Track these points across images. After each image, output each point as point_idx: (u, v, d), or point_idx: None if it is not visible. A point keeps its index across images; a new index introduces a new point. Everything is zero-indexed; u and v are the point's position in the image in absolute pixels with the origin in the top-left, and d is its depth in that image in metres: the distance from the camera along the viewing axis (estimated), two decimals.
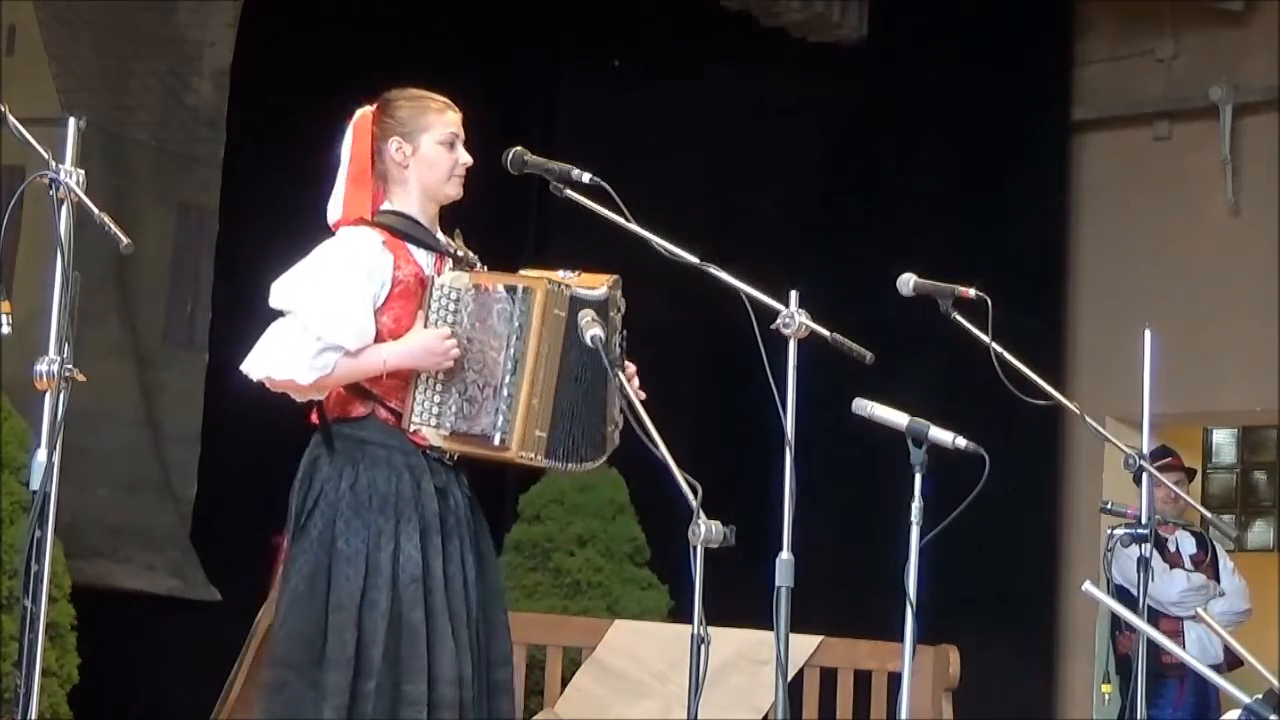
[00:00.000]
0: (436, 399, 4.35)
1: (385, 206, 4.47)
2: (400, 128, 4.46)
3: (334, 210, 4.48)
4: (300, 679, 4.26)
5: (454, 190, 4.51)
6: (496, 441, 4.31)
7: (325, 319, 4.28)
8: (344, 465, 4.34)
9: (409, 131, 4.46)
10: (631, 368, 4.44)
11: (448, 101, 4.55)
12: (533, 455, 4.34)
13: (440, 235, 4.53)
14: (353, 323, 4.29)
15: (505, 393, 4.31)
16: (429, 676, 4.23)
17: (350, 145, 4.48)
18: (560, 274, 4.43)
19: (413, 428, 4.34)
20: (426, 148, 4.46)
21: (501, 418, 4.31)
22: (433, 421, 4.34)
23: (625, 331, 4.47)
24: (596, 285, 4.43)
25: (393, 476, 4.32)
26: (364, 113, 4.51)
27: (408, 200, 4.48)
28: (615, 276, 4.46)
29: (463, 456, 4.40)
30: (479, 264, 4.51)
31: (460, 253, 4.49)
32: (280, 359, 4.28)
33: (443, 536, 4.34)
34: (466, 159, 4.50)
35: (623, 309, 4.46)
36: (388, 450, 4.34)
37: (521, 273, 4.47)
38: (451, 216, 4.63)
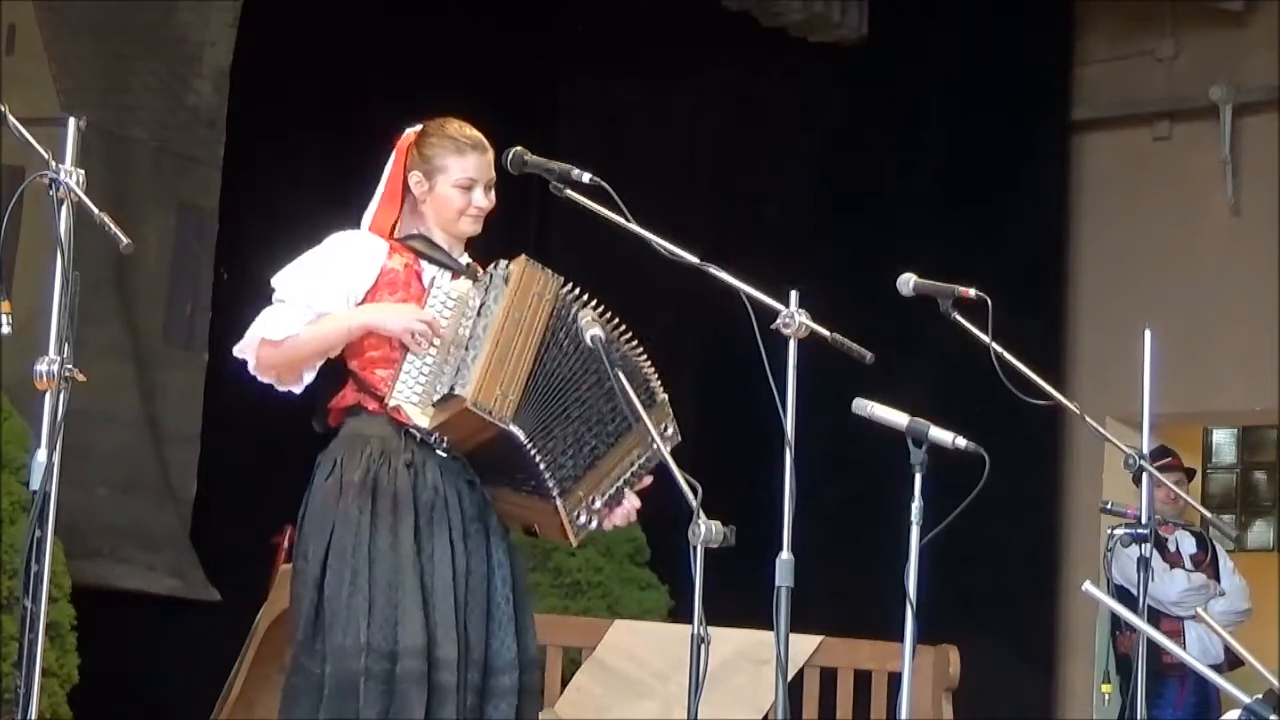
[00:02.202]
0: (422, 379, 4.35)
1: (412, 231, 4.53)
2: (423, 164, 4.52)
3: (365, 223, 4.57)
4: (301, 677, 4.29)
5: (467, 228, 4.55)
6: (456, 390, 4.27)
7: (298, 285, 4.38)
8: (328, 465, 4.38)
9: (429, 170, 4.51)
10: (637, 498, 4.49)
11: (478, 141, 4.54)
12: (491, 411, 4.26)
13: (465, 259, 4.56)
14: (322, 287, 4.37)
15: (468, 347, 4.31)
16: (392, 651, 4.22)
17: (390, 165, 4.57)
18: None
19: (392, 403, 4.35)
20: (442, 188, 4.51)
21: (461, 366, 4.30)
22: (414, 399, 4.35)
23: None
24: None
25: (364, 462, 4.34)
26: (408, 135, 4.58)
27: (428, 227, 4.55)
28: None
29: (452, 439, 4.37)
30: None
31: (476, 272, 4.51)
32: (257, 324, 4.38)
33: (419, 517, 4.33)
34: (481, 202, 4.52)
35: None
36: (365, 439, 4.36)
37: None
38: None
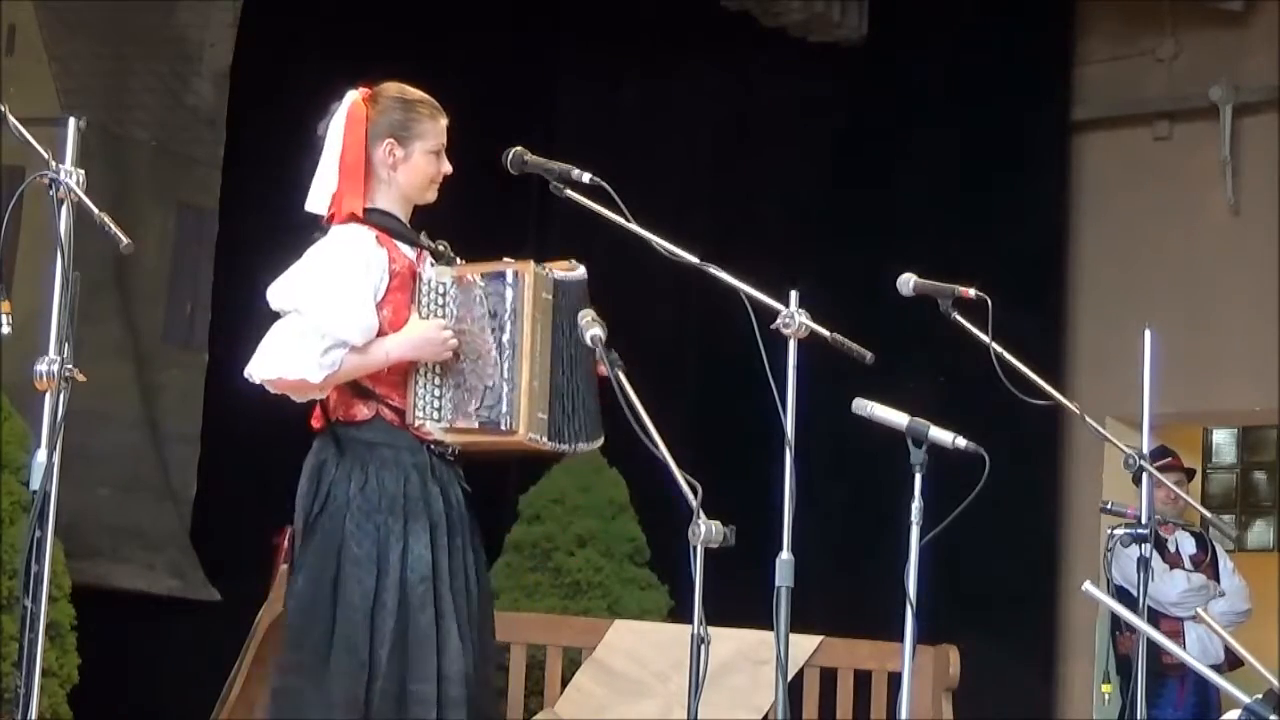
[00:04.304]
0: (436, 392, 4.35)
1: (368, 206, 4.47)
2: (396, 131, 4.46)
3: (319, 200, 4.46)
4: (309, 683, 4.25)
5: (431, 196, 4.54)
6: (504, 426, 4.30)
7: (330, 316, 4.29)
8: (352, 468, 4.34)
9: (403, 137, 4.46)
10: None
11: (436, 105, 4.54)
12: (539, 438, 4.34)
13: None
14: (357, 318, 4.31)
15: (505, 376, 4.31)
16: (438, 675, 4.22)
17: (343, 134, 4.45)
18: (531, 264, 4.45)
19: (416, 423, 4.34)
20: (418, 156, 4.48)
21: (505, 403, 4.31)
22: (435, 415, 4.35)
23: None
24: (570, 270, 4.45)
25: (400, 477, 4.32)
26: (355, 101, 4.48)
27: (389, 199, 4.49)
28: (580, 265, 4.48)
29: (464, 450, 4.39)
30: (458, 260, 4.51)
31: (440, 248, 4.50)
32: (289, 360, 4.28)
33: (448, 534, 4.34)
34: (448, 168, 4.52)
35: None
36: (395, 450, 4.34)
37: (505, 260, 4.47)
38: (451, 217, 4.63)
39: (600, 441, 4.53)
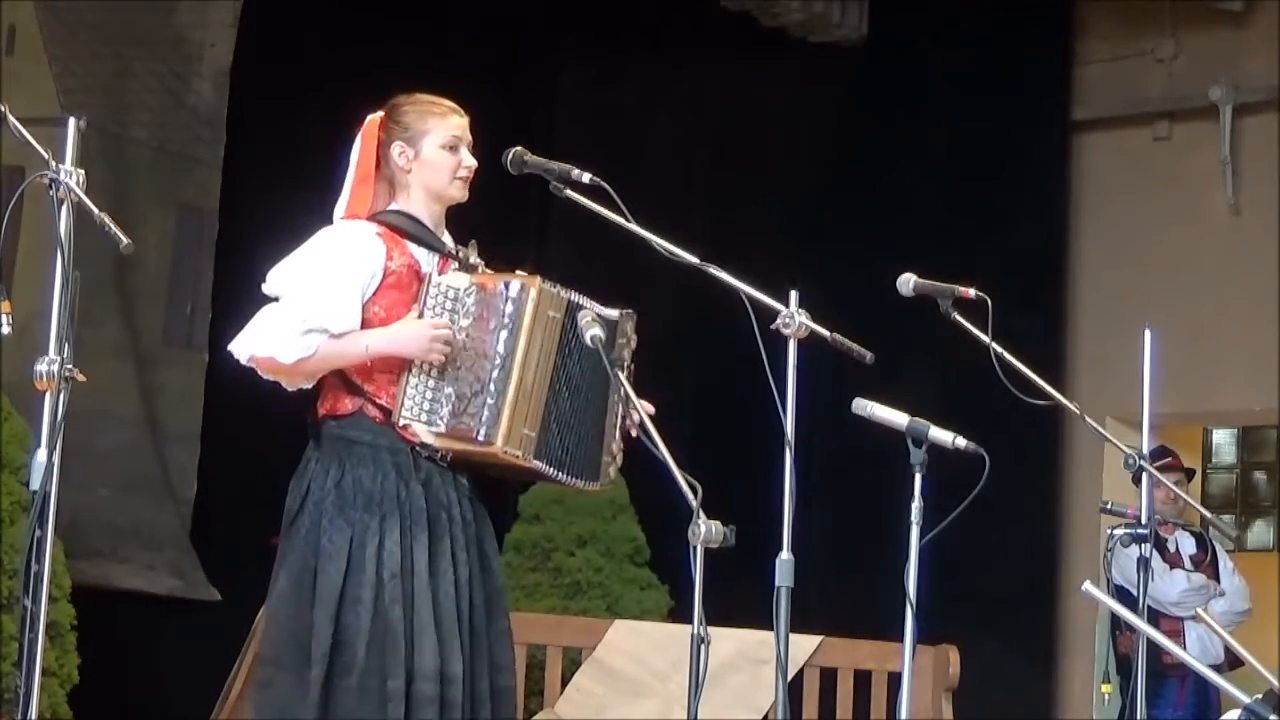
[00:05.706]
0: (429, 395, 4.35)
1: (391, 207, 4.49)
2: (403, 132, 4.49)
3: (339, 213, 4.52)
4: (288, 677, 4.27)
5: (457, 192, 4.53)
6: (481, 437, 4.30)
7: (310, 301, 4.31)
8: (330, 464, 4.35)
9: (411, 135, 4.49)
10: (649, 407, 4.35)
11: (454, 106, 4.57)
12: (519, 453, 4.33)
13: (447, 238, 4.54)
14: (337, 306, 4.32)
15: (492, 388, 4.31)
16: (408, 671, 4.23)
17: (358, 150, 4.53)
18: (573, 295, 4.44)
19: (402, 422, 4.34)
20: (428, 151, 4.49)
21: (487, 412, 4.30)
22: (424, 418, 4.34)
23: (633, 365, 4.44)
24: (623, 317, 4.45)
25: (378, 474, 4.32)
26: (372, 119, 4.55)
27: (411, 202, 4.51)
28: (630, 310, 4.46)
29: (457, 456, 4.39)
30: (482, 264, 4.52)
31: (467, 256, 4.49)
32: (263, 337, 4.32)
33: (430, 534, 4.33)
34: (470, 162, 4.52)
35: (633, 344, 4.44)
36: (374, 449, 4.34)
37: (518, 273, 4.48)
38: (453, 216, 4.63)
39: (595, 486, 4.51)
